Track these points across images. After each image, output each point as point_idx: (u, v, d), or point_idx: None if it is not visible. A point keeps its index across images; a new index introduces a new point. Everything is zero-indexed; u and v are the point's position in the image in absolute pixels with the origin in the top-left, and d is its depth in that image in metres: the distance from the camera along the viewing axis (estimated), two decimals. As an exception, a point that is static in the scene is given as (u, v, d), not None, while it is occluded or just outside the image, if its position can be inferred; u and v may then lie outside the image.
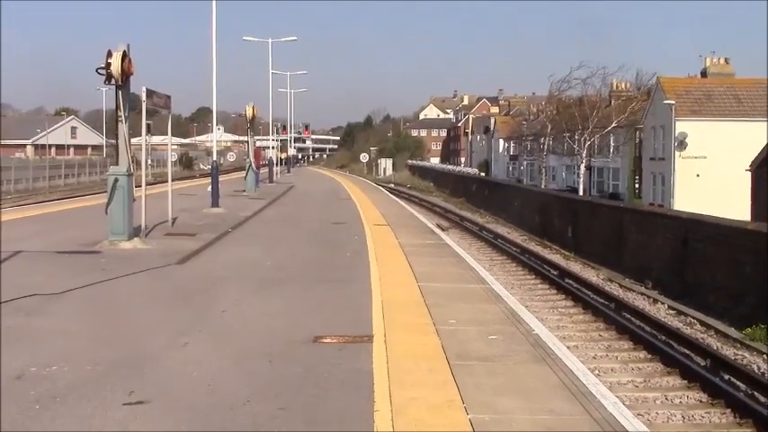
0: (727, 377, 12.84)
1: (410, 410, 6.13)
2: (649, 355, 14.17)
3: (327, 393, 6.55)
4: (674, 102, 46.63)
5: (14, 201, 41.87)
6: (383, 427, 5.77)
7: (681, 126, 46.83)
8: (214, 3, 27.69)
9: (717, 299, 19.08)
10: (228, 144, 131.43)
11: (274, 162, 54.60)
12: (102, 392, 6.45)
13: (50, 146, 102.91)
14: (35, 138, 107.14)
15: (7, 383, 6.62)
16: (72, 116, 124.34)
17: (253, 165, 35.41)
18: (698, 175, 45.70)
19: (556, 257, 28.06)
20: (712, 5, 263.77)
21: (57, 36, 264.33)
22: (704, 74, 53.02)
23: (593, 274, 24.67)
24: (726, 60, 53.60)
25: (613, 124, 55.90)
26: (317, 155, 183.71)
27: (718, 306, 18.74)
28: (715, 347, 15.22)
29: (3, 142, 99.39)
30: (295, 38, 57.53)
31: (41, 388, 6.51)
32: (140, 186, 17.71)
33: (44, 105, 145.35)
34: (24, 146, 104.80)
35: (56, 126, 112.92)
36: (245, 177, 35.51)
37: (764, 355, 14.62)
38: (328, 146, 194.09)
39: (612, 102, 60.77)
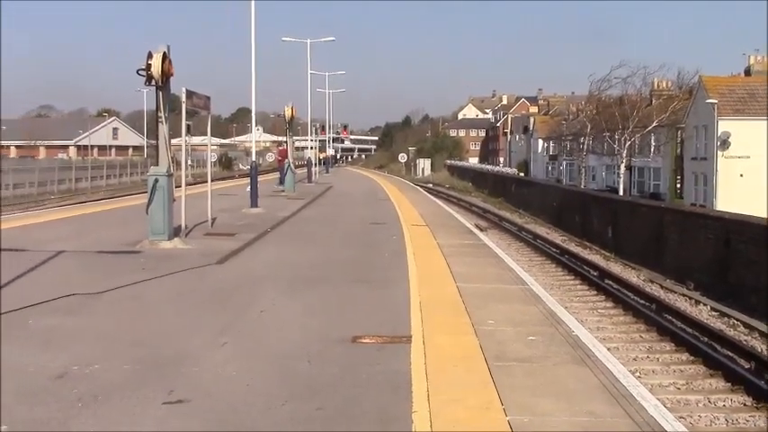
0: (771, 380, 12.62)
1: (448, 412, 6.09)
2: (691, 357, 13.99)
3: (365, 394, 6.53)
4: (716, 101, 46.00)
5: (57, 201, 42.53)
6: (422, 428, 5.74)
7: (723, 125, 46.18)
8: (253, 4, 27.88)
9: (760, 300, 18.78)
10: (267, 144, 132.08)
11: (313, 162, 54.76)
12: (143, 391, 6.50)
13: (92, 147, 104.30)
14: (77, 138, 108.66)
15: (49, 382, 6.70)
16: (113, 117, 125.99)
17: (291, 164, 35.53)
18: (741, 175, 45.04)
19: (596, 258, 27.82)
20: (754, 4, 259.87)
21: (97, 38, 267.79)
22: (748, 72, 52.28)
23: (633, 275, 24.42)
24: (770, 58, 52.78)
25: (654, 123, 55.28)
26: (355, 155, 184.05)
27: (761, 308, 18.44)
28: (759, 350, 14.98)
29: (46, 143, 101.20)
30: (333, 38, 57.81)
31: (83, 387, 6.58)
32: (180, 187, 17.86)
33: (86, 107, 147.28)
34: (67, 147, 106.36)
35: (98, 127, 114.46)
36: (285, 177, 35.65)
37: (810, 358, 14.35)
38: (367, 146, 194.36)
39: (653, 101, 60.11)
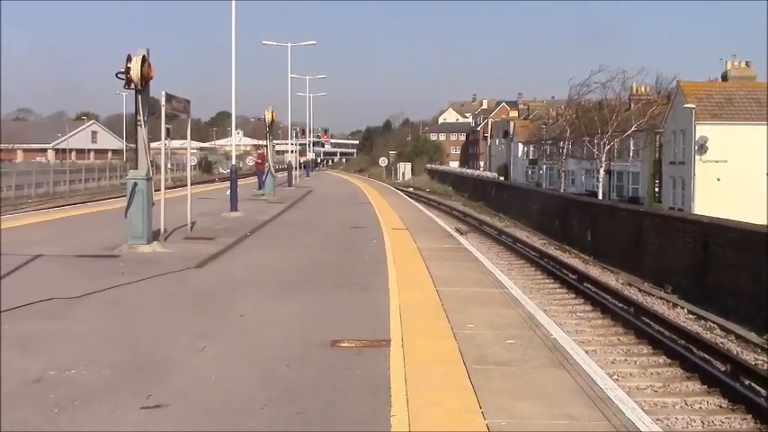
0: (747, 382, 12.74)
1: (427, 415, 6.11)
2: (669, 360, 14.10)
3: (344, 398, 6.54)
4: (694, 105, 46.36)
5: (35, 205, 42.22)
6: (400, 431, 5.76)
7: (701, 130, 46.54)
8: (234, 7, 27.82)
9: (737, 303, 18.94)
10: (248, 148, 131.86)
11: (293, 166, 54.69)
12: (121, 396, 6.47)
13: (71, 150, 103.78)
14: (56, 142, 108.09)
15: (26, 387, 6.66)
16: (92, 121, 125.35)
17: (271, 168, 35.47)
18: (718, 179, 45.41)
19: (575, 261, 27.96)
20: (732, 6, 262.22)
21: (76, 40, 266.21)
22: (725, 77, 52.71)
23: (612, 279, 24.56)
24: (747, 64, 53.28)
25: (633, 128, 55.62)
26: (335, 159, 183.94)
27: (738, 311, 18.61)
28: (735, 352, 15.11)
29: (24, 147, 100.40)
30: (314, 42, 58.02)
31: (60, 391, 6.55)
32: (160, 190, 17.79)
33: (65, 110, 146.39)
34: (45, 150, 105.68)
35: (76, 131, 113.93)
36: (264, 181, 35.61)
37: (786, 361, 14.50)
38: (347, 150, 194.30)
39: (632, 105, 60.51)
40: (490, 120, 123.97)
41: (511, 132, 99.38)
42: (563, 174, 68.76)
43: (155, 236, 15.80)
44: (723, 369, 13.48)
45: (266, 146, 37.42)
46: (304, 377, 7.12)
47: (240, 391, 6.70)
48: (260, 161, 42.21)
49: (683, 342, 15.48)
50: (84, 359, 7.54)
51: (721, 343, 16.03)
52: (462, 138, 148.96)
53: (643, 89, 62.32)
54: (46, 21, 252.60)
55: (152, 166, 15.70)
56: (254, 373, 7.22)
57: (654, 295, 21.64)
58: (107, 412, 6.10)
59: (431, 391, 6.72)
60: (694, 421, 10.91)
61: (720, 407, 11.59)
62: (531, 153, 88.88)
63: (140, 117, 14.97)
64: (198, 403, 6.37)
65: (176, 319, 9.58)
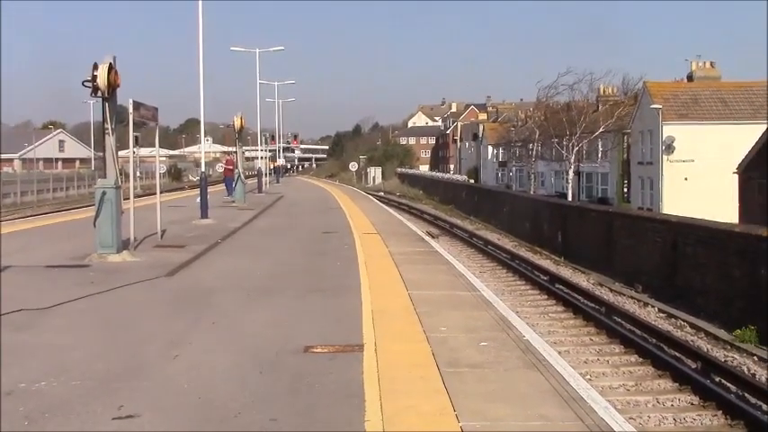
0: (717, 379, 12.88)
1: (401, 419, 6.12)
2: (640, 359, 14.21)
3: (318, 403, 6.53)
4: (661, 106, 46.85)
5: (2, 216, 41.69)
6: (374, 436, 5.76)
7: (668, 130, 47.04)
8: (200, 13, 27.68)
9: (706, 301, 19.14)
10: (217, 155, 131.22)
11: (263, 172, 54.51)
12: (92, 407, 6.41)
13: (38, 159, 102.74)
14: (22, 152, 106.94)
15: (-4, 399, 6.58)
16: (59, 129, 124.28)
17: (241, 175, 35.33)
18: (686, 179, 45.90)
19: (546, 263, 28.10)
20: (696, 6, 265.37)
21: (43, 49, 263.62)
22: (690, 78, 53.31)
23: (583, 279, 24.71)
24: (711, 64, 53.93)
25: (601, 129, 56.04)
26: (306, 164, 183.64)
27: (708, 308, 18.80)
28: (705, 350, 15.26)
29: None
30: (282, 47, 57.56)
31: (31, 404, 6.47)
32: (129, 199, 17.66)
33: (31, 119, 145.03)
34: (12, 160, 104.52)
35: (43, 140, 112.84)
36: (234, 187, 35.47)
37: (754, 357, 14.67)
38: (317, 155, 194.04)
39: (600, 107, 61.00)
40: (459, 123, 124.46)
41: (480, 135, 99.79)
42: (533, 176, 69.17)
43: (124, 245, 15.68)
44: (694, 367, 13.62)
45: (236, 152, 37.29)
46: (278, 383, 7.10)
47: (214, 398, 6.66)
48: (229, 167, 42.05)
49: (654, 341, 15.61)
50: (54, 370, 7.46)
51: (692, 341, 16.18)
52: (432, 141, 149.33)
53: (610, 90, 62.86)
54: (9, 23, 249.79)
55: (120, 174, 15.59)
56: (227, 381, 7.19)
57: (625, 295, 21.80)
58: (78, 424, 6.04)
59: (405, 396, 6.73)
60: (666, 419, 11.00)
61: (692, 404, 11.69)
62: (500, 155, 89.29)
63: (108, 125, 14.85)
64: (171, 412, 6.32)
65: (148, 328, 9.51)
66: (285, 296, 11.81)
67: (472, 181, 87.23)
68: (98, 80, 14.34)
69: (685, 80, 53.90)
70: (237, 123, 35.31)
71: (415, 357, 8.05)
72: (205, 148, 37.54)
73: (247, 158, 62.77)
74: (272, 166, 76.02)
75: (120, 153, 15.77)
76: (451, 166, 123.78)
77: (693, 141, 45.87)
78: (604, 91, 62.65)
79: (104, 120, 14.92)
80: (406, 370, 7.55)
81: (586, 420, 6.22)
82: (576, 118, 56.74)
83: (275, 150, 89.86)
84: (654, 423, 10.85)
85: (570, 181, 57.59)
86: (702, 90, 49.63)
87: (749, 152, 34.02)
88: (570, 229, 31.23)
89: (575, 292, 21.09)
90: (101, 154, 16.17)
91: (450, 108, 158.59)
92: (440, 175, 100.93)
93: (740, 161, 34.79)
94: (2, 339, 8.71)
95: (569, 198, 54.29)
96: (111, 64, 14.52)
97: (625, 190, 56.18)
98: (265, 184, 52.76)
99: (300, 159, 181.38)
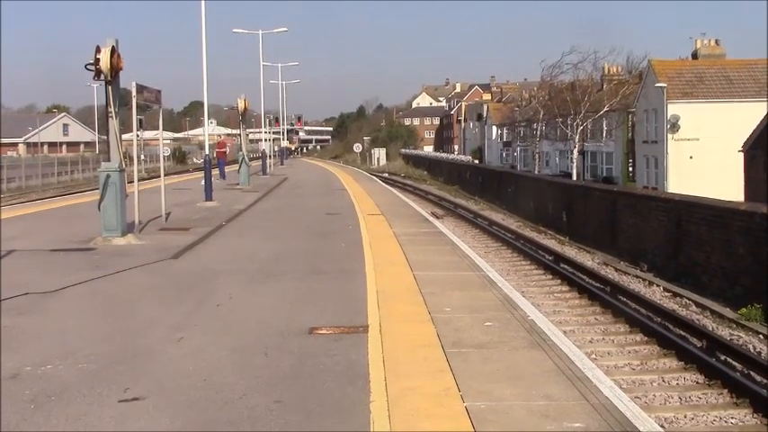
0: (723, 358, 12.86)
1: (406, 400, 6.13)
2: (645, 338, 14.19)
3: (323, 385, 6.54)
4: (665, 84, 46.68)
5: (7, 200, 41.78)
6: (379, 417, 5.77)
7: (673, 108, 46.90)
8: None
9: (711, 280, 19.11)
10: (221, 138, 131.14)
11: (267, 154, 54.47)
12: (98, 390, 6.43)
13: (43, 143, 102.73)
14: (27, 136, 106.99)
15: (2, 384, 6.59)
16: (64, 113, 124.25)
17: (246, 157, 35.32)
18: (691, 157, 45.80)
19: (551, 243, 28.06)
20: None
21: (46, 32, 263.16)
22: (695, 56, 53.08)
23: (588, 259, 24.68)
24: (716, 42, 53.67)
25: (605, 108, 55.91)
26: (310, 146, 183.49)
27: (713, 287, 18.77)
28: (710, 328, 15.24)
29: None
30: (285, 29, 57.33)
31: (36, 387, 6.50)
32: (133, 182, 17.67)
33: (35, 103, 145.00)
34: (16, 144, 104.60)
35: (48, 123, 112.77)
36: (239, 170, 35.49)
37: (760, 335, 14.65)
38: (322, 137, 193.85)
39: (604, 86, 60.81)
40: (464, 103, 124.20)
41: (484, 115, 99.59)
42: (537, 155, 69.08)
43: (129, 228, 15.71)
44: (699, 345, 13.60)
45: (239, 134, 37.30)
46: (282, 365, 7.11)
47: (218, 381, 6.68)
48: (221, 150, 42.08)
49: (659, 320, 15.58)
50: (60, 354, 7.48)
51: (697, 319, 16.15)
52: (436, 122, 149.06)
53: (615, 69, 62.67)
54: (9, 11, 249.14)
55: (125, 157, 15.59)
56: (232, 363, 7.21)
57: (630, 274, 21.76)
58: (84, 406, 6.06)
59: (409, 376, 6.73)
60: (672, 397, 11.00)
61: (697, 382, 11.68)
62: (504, 135, 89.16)
63: (111, 109, 14.83)
64: (176, 395, 6.34)
65: (153, 311, 9.53)
66: (289, 278, 11.82)
67: (477, 161, 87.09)
68: (101, 63, 14.32)
69: (690, 58, 53.66)
70: (241, 105, 35.33)
71: (419, 338, 8.06)
72: (209, 131, 37.48)
73: (251, 141, 62.65)
74: (277, 149, 75.91)
75: (125, 136, 15.77)
76: (456, 147, 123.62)
77: (698, 120, 45.75)
78: (609, 70, 62.41)
79: (108, 103, 14.90)
80: (411, 351, 7.55)
81: (591, 400, 6.22)
82: (581, 97, 56.60)
83: (279, 132, 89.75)
84: (659, 402, 10.85)
85: (575, 160, 57.51)
86: (707, 68, 49.44)
87: (754, 130, 33.89)
88: (575, 209, 31.18)
89: (579, 272, 21.05)
90: (105, 137, 16.16)
91: (455, 88, 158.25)
92: (444, 155, 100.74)
93: (745, 139, 34.65)
94: (7, 324, 8.74)
95: (574, 177, 54.22)
96: (113, 47, 14.49)
97: (630, 169, 56.07)
98: (269, 165, 52.71)
99: (305, 141, 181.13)
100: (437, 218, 28.59)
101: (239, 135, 38.24)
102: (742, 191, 33.76)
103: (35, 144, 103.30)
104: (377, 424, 5.65)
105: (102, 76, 14.47)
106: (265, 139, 64.51)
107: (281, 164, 70.64)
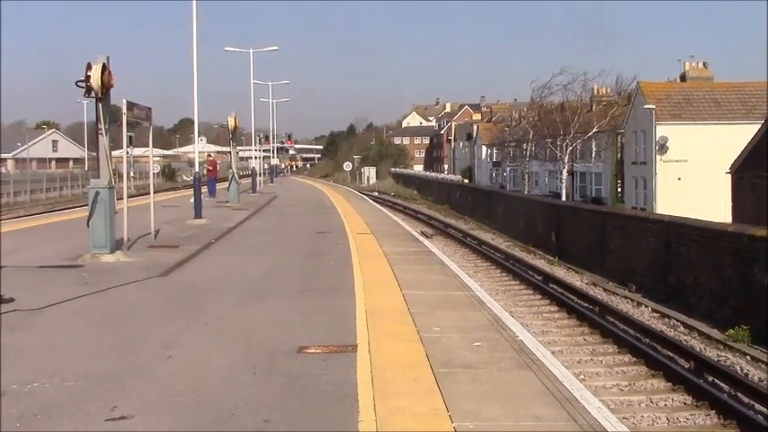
0: (711, 379, 12.89)
1: (395, 420, 6.12)
2: (634, 359, 14.22)
3: (312, 404, 6.53)
4: (654, 106, 46.95)
5: (-4, 216, 41.59)
6: (368, 437, 5.76)
7: (661, 130, 47.16)
8: (194, 13, 27.68)
9: (700, 301, 19.17)
10: (212, 155, 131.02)
11: (257, 172, 54.46)
12: (85, 408, 6.40)
13: (31, 159, 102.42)
14: (16, 152, 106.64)
15: (-11, 401, 6.56)
16: (53, 129, 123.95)
17: (235, 175, 35.32)
18: (679, 179, 46.01)
19: (540, 263, 28.11)
20: (689, 6, 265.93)
21: (39, 49, 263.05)
22: (683, 78, 53.44)
23: (577, 279, 24.73)
24: (704, 64, 54.09)
25: (595, 129, 56.19)
26: (300, 164, 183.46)
27: (701, 308, 18.83)
28: (698, 349, 15.28)
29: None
30: (276, 47, 57.53)
31: (23, 405, 6.46)
32: (122, 199, 17.64)
33: (25, 119, 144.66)
34: (5, 160, 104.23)
35: (37, 139, 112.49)
36: (228, 188, 35.46)
37: (747, 356, 14.70)
38: (312, 155, 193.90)
39: (593, 107, 61.16)
40: (453, 123, 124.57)
41: (474, 135, 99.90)
42: (527, 175, 69.30)
43: (118, 245, 15.67)
44: (687, 366, 13.63)
45: (230, 152, 37.30)
46: (271, 384, 7.10)
47: (207, 399, 6.66)
48: (210, 168, 42.07)
49: (647, 340, 15.63)
50: (47, 372, 7.44)
51: (685, 340, 16.19)
52: (426, 141, 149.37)
53: (604, 90, 63.04)
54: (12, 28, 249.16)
55: (114, 174, 15.57)
56: (220, 382, 7.18)
57: (618, 294, 21.81)
58: (71, 425, 6.03)
59: (398, 396, 6.73)
60: (659, 419, 11.01)
61: (685, 404, 11.71)
62: (494, 155, 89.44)
63: (101, 125, 14.83)
64: (164, 413, 6.31)
65: (141, 329, 9.50)
66: (279, 296, 11.80)
67: (466, 181, 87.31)
68: (91, 80, 14.32)
69: (678, 80, 54.03)
70: (231, 123, 35.33)
71: (408, 358, 8.05)
72: (199, 148, 37.50)
73: (241, 158, 62.67)
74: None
75: (114, 153, 15.74)
76: (446, 166, 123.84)
77: (686, 141, 46.00)
78: (598, 91, 62.80)
79: (98, 120, 14.89)
80: (400, 370, 7.55)
81: (579, 420, 6.22)
82: (570, 118, 56.89)
83: (269, 150, 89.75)
84: (647, 423, 10.86)
85: (564, 181, 57.70)
86: (695, 90, 49.78)
87: (742, 152, 34.07)
88: (564, 229, 31.26)
89: (568, 292, 21.09)
90: (94, 154, 16.13)
91: (445, 108, 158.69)
92: (434, 175, 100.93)
93: (733, 161, 34.84)
94: (-5, 340, 8.70)
95: (563, 198, 54.37)
96: (104, 64, 14.50)
97: (619, 190, 56.29)
98: (259, 183, 52.69)
99: (294, 159, 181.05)
100: (427, 237, 28.62)
101: (229, 153, 38.23)
102: (729, 212, 33.91)
103: (24, 160, 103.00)
104: (365, 444, 5.64)
105: (93, 93, 14.46)
106: (255, 157, 64.46)
107: (271, 182, 70.62)
